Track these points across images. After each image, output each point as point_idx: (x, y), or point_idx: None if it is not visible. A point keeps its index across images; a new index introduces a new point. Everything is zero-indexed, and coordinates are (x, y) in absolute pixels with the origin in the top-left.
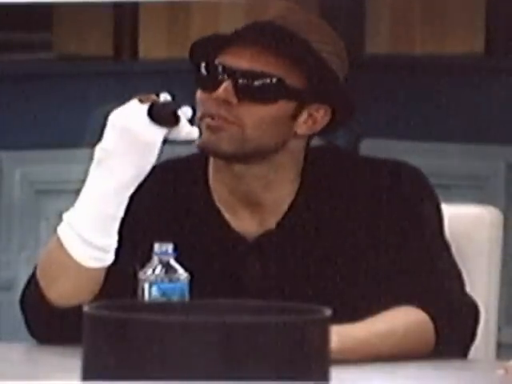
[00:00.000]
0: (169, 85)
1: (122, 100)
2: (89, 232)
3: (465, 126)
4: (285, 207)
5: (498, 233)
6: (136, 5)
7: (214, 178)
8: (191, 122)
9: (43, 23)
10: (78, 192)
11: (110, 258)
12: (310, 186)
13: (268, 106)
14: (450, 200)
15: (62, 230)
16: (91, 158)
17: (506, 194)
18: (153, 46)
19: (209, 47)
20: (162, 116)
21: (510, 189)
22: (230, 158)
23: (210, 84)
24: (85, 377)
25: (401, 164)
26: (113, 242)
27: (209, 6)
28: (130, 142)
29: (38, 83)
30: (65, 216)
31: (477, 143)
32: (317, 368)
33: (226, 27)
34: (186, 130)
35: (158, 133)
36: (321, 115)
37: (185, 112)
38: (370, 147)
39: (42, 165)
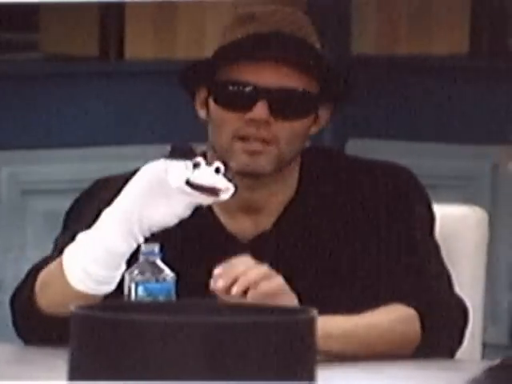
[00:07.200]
0: (155, 85)
1: (107, 100)
2: (91, 264)
3: (450, 127)
4: (281, 208)
5: (483, 233)
6: (122, 5)
7: None
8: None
9: (30, 23)
10: (64, 192)
11: (111, 287)
12: (305, 188)
13: (300, 121)
14: (436, 200)
15: (66, 255)
16: (78, 158)
17: (491, 194)
18: (139, 46)
19: (215, 64)
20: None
21: (495, 189)
22: (264, 176)
23: (236, 103)
24: (71, 377)
25: (393, 165)
26: (117, 273)
27: (195, 6)
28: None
29: (25, 83)
30: (77, 238)
31: (462, 143)
32: (303, 368)
33: (213, 28)
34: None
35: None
36: (325, 113)
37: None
38: (355, 147)
39: (29, 165)
